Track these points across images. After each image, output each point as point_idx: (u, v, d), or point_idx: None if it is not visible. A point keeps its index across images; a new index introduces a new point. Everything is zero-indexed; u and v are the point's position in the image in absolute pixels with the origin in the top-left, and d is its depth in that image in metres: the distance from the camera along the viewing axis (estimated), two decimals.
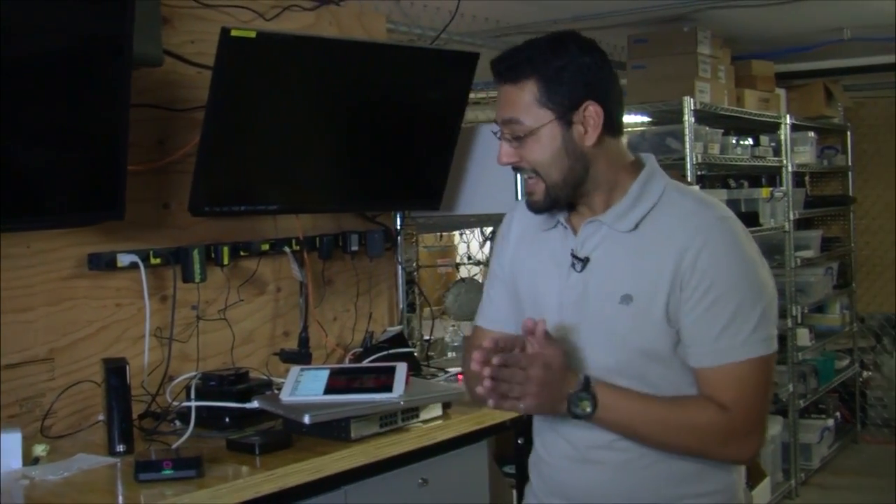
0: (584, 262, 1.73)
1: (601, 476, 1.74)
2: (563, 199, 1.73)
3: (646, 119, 4.90)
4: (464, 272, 4.46)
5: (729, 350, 1.64)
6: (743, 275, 1.65)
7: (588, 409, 1.65)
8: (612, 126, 1.72)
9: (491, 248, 1.99)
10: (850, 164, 6.38)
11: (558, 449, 1.81)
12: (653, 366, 1.69)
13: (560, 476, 1.82)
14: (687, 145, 4.25)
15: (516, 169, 1.76)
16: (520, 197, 1.92)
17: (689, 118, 4.25)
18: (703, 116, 4.49)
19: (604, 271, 1.71)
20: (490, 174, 3.14)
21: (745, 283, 1.65)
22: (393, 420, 2.39)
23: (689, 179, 4.17)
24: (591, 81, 1.69)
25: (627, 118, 4.87)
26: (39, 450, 2.26)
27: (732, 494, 1.77)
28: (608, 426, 1.68)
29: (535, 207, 1.76)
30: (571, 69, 1.67)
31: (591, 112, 1.68)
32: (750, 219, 4.88)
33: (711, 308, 1.63)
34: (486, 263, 3.95)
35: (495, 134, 1.75)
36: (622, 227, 1.71)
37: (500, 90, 1.73)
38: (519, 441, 2.71)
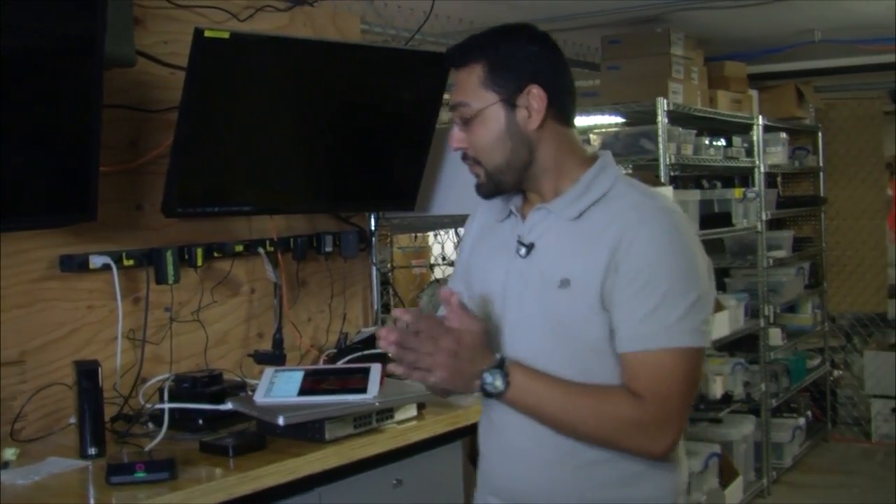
0: (529, 247, 1.75)
1: (531, 475, 1.74)
2: (509, 182, 1.76)
3: (619, 120, 4.92)
4: (438, 273, 4.47)
5: (652, 335, 1.61)
6: (677, 263, 1.64)
7: (500, 387, 1.64)
8: (560, 113, 1.74)
9: None
10: (821, 164, 6.45)
11: (493, 445, 1.82)
12: (588, 354, 1.67)
13: (496, 472, 1.82)
14: (660, 146, 4.27)
15: (464, 157, 1.79)
16: None
17: (662, 119, 4.27)
18: (676, 117, 4.51)
19: (546, 257, 1.73)
20: (464, 175, 3.13)
21: (678, 271, 1.63)
22: (367, 421, 2.39)
23: (662, 180, 4.20)
24: (538, 68, 1.73)
25: (601, 119, 4.92)
26: (9, 453, 2.24)
27: (673, 499, 1.74)
28: (521, 408, 1.68)
29: (480, 191, 1.79)
30: (519, 55, 1.73)
31: (535, 94, 1.71)
32: (723, 219, 4.91)
33: (640, 291, 1.62)
34: None
35: (452, 122, 1.78)
36: (567, 215, 1.72)
37: (454, 78, 1.77)
38: None
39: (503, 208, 1.84)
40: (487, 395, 1.67)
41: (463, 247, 1.97)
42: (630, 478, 1.70)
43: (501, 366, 1.65)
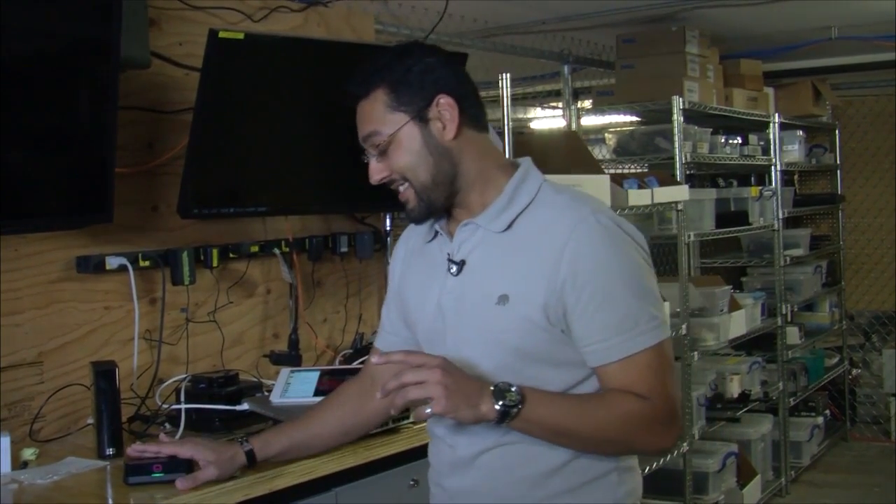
0: (460, 265, 1.72)
1: (483, 488, 1.72)
2: (438, 201, 1.72)
3: (635, 119, 4.91)
4: None
5: (629, 342, 1.61)
6: (628, 264, 1.64)
7: (515, 399, 1.57)
8: (472, 119, 1.72)
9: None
10: (838, 162, 6.41)
11: (444, 456, 1.78)
12: (532, 367, 1.65)
13: (445, 484, 1.79)
14: (676, 145, 4.26)
15: (389, 184, 1.74)
16: None
17: (677, 117, 4.25)
18: (691, 116, 4.50)
19: (480, 273, 1.70)
20: None
21: (627, 275, 1.63)
22: (383, 421, 2.38)
23: (678, 179, 4.18)
24: (439, 77, 1.70)
25: (616, 118, 4.91)
26: (28, 454, 2.25)
27: (618, 475, 1.73)
28: (536, 425, 1.61)
29: (413, 216, 1.75)
30: (417, 69, 1.69)
31: (444, 104, 1.68)
32: (739, 218, 4.90)
33: (604, 303, 1.61)
34: None
35: (363, 159, 1.75)
36: (496, 227, 1.70)
37: (357, 111, 1.74)
38: None
39: (429, 229, 1.80)
40: (503, 414, 1.57)
41: (392, 275, 1.94)
42: (582, 486, 1.68)
43: (507, 384, 1.60)
